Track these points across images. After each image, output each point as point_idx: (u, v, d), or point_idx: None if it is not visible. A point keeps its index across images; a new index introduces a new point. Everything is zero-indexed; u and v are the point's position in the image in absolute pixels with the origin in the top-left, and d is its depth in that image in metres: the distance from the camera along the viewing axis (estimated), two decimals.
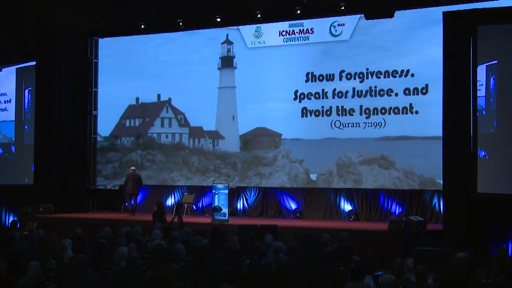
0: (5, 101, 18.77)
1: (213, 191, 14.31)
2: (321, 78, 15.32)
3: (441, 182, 12.89)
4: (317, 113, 15.32)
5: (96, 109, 17.96)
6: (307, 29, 15.52)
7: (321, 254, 8.05)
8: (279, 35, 15.84)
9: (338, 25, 15.17)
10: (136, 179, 16.15)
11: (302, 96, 15.49)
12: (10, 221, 16.39)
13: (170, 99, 17.50)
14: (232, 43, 16.53)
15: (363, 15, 12.62)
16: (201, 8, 16.01)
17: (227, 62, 16.60)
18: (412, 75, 14.31)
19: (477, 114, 11.91)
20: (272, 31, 15.90)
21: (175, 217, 13.94)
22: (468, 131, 11.97)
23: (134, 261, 7.31)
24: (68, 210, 16.59)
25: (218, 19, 15.76)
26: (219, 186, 14.32)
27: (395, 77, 14.50)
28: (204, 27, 16.57)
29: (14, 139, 18.60)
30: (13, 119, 18.53)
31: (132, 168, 16.57)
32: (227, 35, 16.56)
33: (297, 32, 15.64)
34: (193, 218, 14.81)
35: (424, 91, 14.17)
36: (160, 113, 17.60)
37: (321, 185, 15.32)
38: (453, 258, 7.62)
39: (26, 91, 18.25)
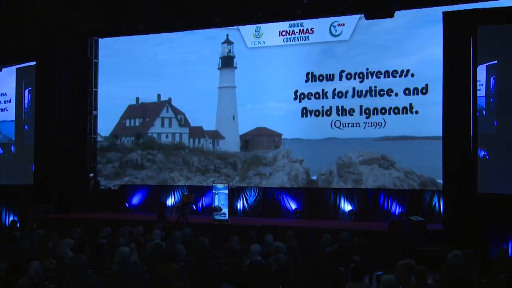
0: (5, 101, 18.77)
1: (213, 191, 14.32)
2: (321, 78, 15.33)
3: (441, 182, 12.90)
4: (317, 113, 15.32)
5: (96, 109, 17.96)
6: (307, 29, 15.53)
7: (321, 254, 8.05)
8: (279, 35, 15.85)
9: (338, 25, 15.18)
10: None
11: (302, 96, 15.50)
12: (10, 221, 16.38)
13: (170, 99, 17.52)
14: (232, 43, 16.54)
15: (363, 15, 12.63)
16: (201, 9, 16.00)
17: (227, 62, 16.60)
18: (412, 75, 14.32)
19: (477, 114, 11.91)
20: (272, 31, 15.91)
21: (181, 216, 13.97)
22: (468, 131, 11.98)
23: (134, 261, 7.30)
24: (68, 210, 16.60)
25: (217, 20, 15.77)
26: (219, 186, 14.33)
27: (395, 77, 14.51)
28: (204, 27, 16.58)
29: (14, 139, 18.59)
30: (13, 119, 18.52)
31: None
32: (227, 35, 16.57)
33: (297, 32, 15.64)
34: (193, 218, 14.80)
35: (424, 91, 14.19)
36: (160, 113, 17.61)
37: (321, 185, 15.33)
38: (448, 257, 7.60)
39: (26, 91, 18.24)
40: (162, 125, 17.61)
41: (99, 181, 17.78)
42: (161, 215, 14.02)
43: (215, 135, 16.83)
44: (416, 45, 14.38)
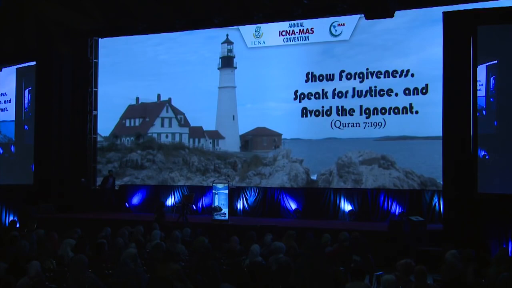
0: (5, 101, 18.77)
1: (213, 191, 14.33)
2: (321, 78, 15.34)
3: (441, 182, 12.90)
4: (317, 113, 15.32)
5: (96, 109, 17.96)
6: (307, 29, 15.53)
7: (321, 254, 8.05)
8: (279, 35, 15.85)
9: (338, 25, 15.19)
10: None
11: (302, 96, 15.50)
12: (9, 221, 16.37)
13: (170, 99, 17.52)
14: (232, 43, 16.54)
15: (363, 15, 12.63)
16: (201, 9, 15.99)
17: (227, 62, 16.61)
18: (412, 75, 14.33)
19: (477, 114, 11.92)
20: (272, 31, 15.92)
21: (180, 216, 13.95)
22: (468, 131, 11.98)
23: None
24: (68, 210, 16.59)
25: (217, 20, 15.77)
26: (219, 186, 14.34)
27: (395, 77, 14.52)
28: (204, 27, 16.59)
29: (14, 139, 18.60)
30: (13, 119, 18.54)
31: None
32: (227, 35, 16.57)
33: (297, 32, 15.65)
34: (193, 218, 14.80)
35: (424, 91, 14.19)
36: (160, 113, 17.61)
37: (321, 185, 15.33)
38: (446, 256, 7.61)
39: (26, 91, 18.25)
40: (162, 125, 17.61)
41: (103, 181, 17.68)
42: (158, 215, 13.95)
43: (215, 135, 16.83)
44: (416, 45, 14.39)
